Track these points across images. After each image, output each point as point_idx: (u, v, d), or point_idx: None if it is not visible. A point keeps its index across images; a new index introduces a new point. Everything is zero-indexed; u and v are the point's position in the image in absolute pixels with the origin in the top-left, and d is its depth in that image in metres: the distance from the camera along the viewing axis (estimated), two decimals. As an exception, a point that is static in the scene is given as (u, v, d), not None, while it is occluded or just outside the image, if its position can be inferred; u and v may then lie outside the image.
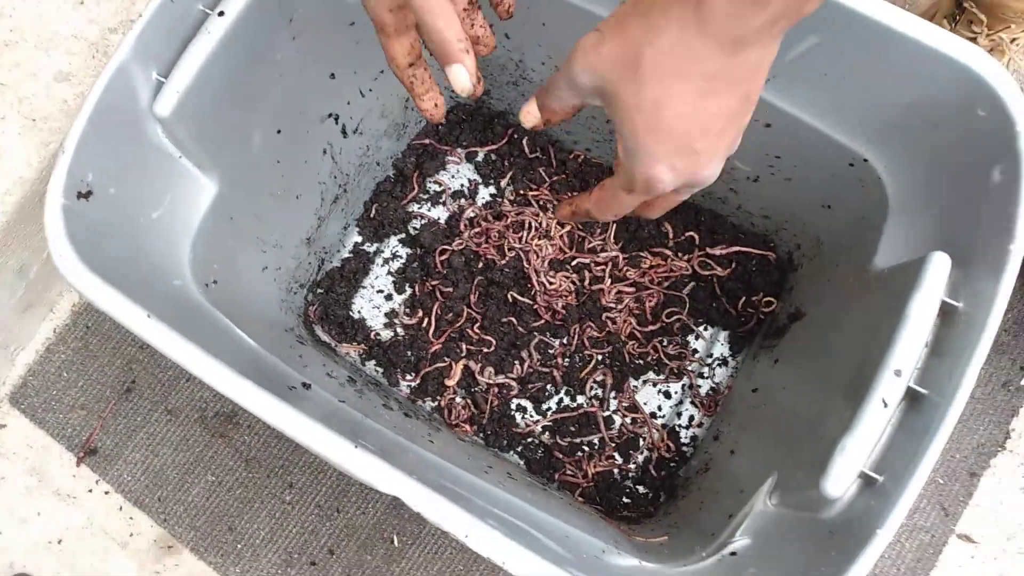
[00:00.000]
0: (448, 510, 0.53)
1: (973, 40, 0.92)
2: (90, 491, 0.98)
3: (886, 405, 0.54)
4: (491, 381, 0.94)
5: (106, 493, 0.98)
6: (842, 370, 0.64)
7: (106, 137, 0.63)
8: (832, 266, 0.80)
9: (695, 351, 0.95)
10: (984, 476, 0.93)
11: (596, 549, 0.61)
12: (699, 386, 0.94)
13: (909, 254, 0.64)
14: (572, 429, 0.93)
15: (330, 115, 0.86)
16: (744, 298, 0.93)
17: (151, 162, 0.69)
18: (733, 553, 0.60)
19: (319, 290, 0.98)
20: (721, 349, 0.95)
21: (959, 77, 0.60)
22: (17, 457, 1.00)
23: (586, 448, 0.92)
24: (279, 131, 0.78)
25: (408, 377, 0.96)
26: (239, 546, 0.95)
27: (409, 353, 0.96)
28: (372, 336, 0.97)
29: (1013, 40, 0.93)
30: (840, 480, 0.53)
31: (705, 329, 0.95)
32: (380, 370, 0.96)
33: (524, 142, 1.01)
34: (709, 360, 0.94)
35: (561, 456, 0.91)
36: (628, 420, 0.93)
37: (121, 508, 0.97)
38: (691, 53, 0.40)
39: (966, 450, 0.93)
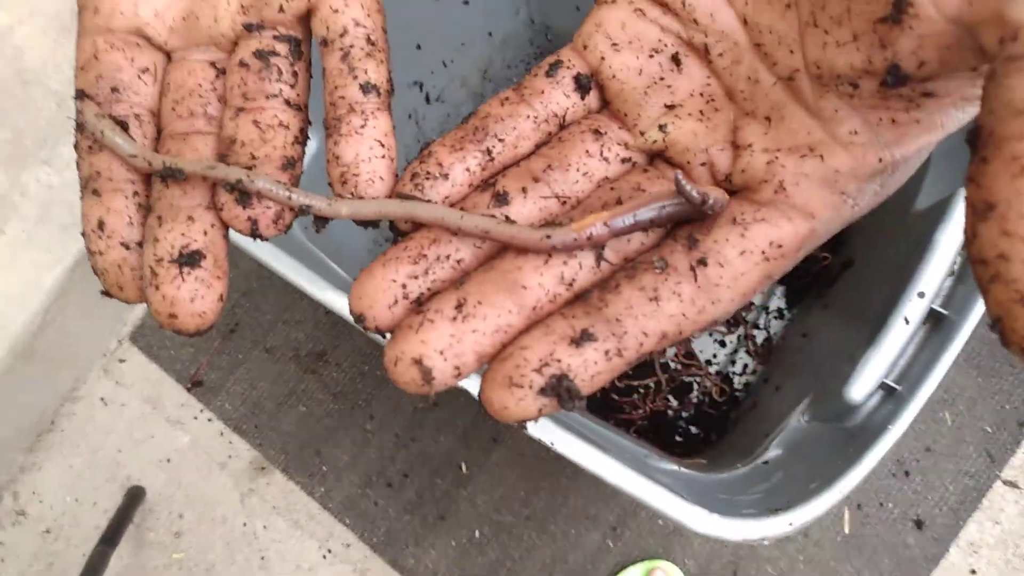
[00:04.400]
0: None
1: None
2: (195, 418, 1.10)
3: (907, 322, 0.58)
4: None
5: (209, 420, 1.10)
6: (877, 303, 0.68)
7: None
8: (882, 214, 0.83)
9: (751, 303, 0.99)
10: (1034, 426, 0.95)
11: (640, 454, 0.67)
12: (754, 336, 0.98)
13: (947, 193, 0.68)
14: (629, 372, 0.98)
15: (415, 82, 0.94)
16: (801, 253, 0.97)
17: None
18: (766, 462, 0.65)
19: (401, 243, 1.07)
20: (778, 302, 0.99)
21: None
22: (135, 388, 1.13)
23: (641, 391, 0.98)
24: (367, 91, 0.87)
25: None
26: (324, 468, 1.05)
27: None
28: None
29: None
30: (862, 386, 0.58)
31: (761, 283, 0.99)
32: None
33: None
34: (766, 312, 0.99)
35: (617, 397, 0.97)
36: (682, 367, 0.98)
37: (222, 433, 1.09)
38: None
39: (1017, 400, 0.94)
